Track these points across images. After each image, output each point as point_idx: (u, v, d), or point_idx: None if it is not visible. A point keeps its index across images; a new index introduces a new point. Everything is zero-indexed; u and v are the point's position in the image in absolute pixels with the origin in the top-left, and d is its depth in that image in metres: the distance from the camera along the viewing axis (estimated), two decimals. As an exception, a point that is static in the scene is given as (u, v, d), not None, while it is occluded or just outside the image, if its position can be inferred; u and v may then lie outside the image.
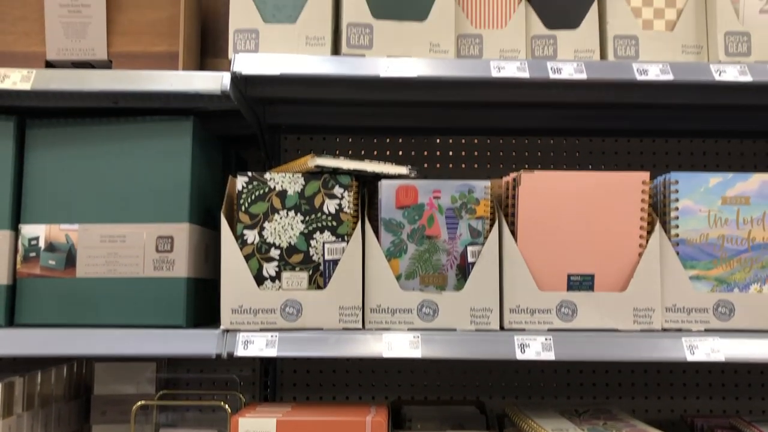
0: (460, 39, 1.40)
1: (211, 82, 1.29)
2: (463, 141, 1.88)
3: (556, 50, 1.40)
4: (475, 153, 1.88)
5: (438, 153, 1.88)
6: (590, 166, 1.85)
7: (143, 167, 1.33)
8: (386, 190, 1.30)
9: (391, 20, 1.35)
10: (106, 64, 1.40)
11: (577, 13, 1.41)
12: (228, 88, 1.28)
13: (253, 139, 1.69)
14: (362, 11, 1.35)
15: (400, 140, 1.87)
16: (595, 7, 1.41)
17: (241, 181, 1.29)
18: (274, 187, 1.29)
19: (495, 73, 1.30)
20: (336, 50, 1.39)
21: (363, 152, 1.86)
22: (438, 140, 1.88)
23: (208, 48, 1.58)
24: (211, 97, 1.31)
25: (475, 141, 1.88)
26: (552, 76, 1.30)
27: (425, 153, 1.87)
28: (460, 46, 1.40)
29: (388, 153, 1.87)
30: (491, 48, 1.40)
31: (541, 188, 1.31)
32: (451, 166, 1.87)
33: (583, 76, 1.30)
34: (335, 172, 1.29)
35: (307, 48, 1.36)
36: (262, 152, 1.72)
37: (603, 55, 1.42)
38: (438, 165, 1.87)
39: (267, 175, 1.29)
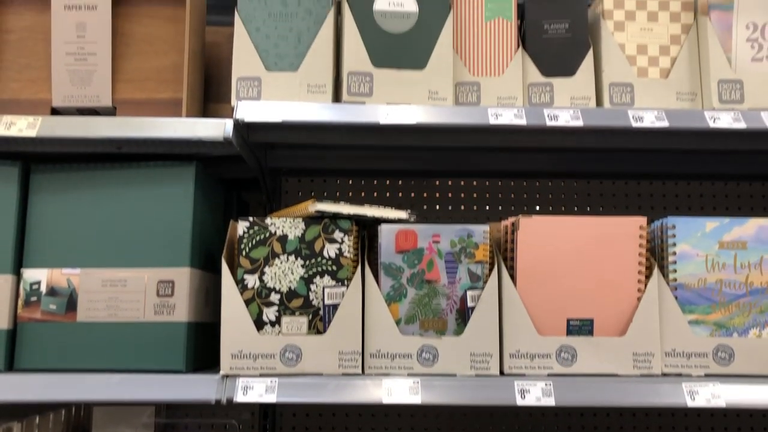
0: (458, 86, 1.43)
1: (214, 129, 1.31)
2: (462, 183, 1.90)
3: (553, 97, 1.43)
4: (475, 195, 1.89)
5: (437, 195, 1.89)
6: (588, 209, 1.87)
7: (146, 212, 1.34)
8: (386, 234, 1.32)
9: (390, 69, 1.38)
10: (111, 111, 1.42)
11: (573, 61, 1.45)
12: (230, 135, 1.30)
13: (255, 182, 1.71)
14: (362, 60, 1.38)
15: (400, 182, 1.89)
16: (590, 55, 1.44)
17: (242, 226, 1.30)
18: (275, 232, 1.30)
19: (492, 120, 1.32)
20: (337, 97, 1.41)
21: (363, 194, 1.88)
22: (437, 182, 1.90)
23: (212, 94, 1.61)
24: (214, 143, 1.33)
25: (474, 183, 1.90)
26: (549, 123, 1.32)
27: (425, 195, 1.89)
28: (459, 93, 1.43)
29: (387, 195, 1.89)
30: (489, 95, 1.42)
31: (539, 233, 1.32)
32: (450, 207, 1.89)
33: (579, 123, 1.33)
34: (335, 216, 1.31)
35: (308, 95, 1.38)
36: (263, 195, 1.73)
37: (599, 102, 1.44)
38: (437, 207, 1.89)
39: (268, 220, 1.30)
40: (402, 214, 1.34)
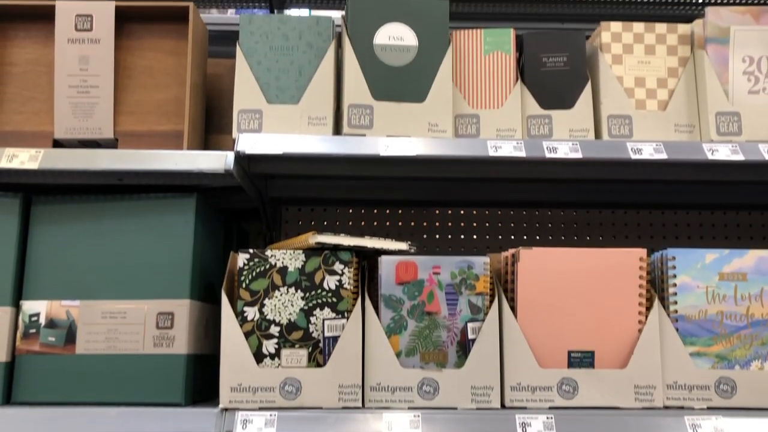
0: (457, 119, 1.44)
1: (215, 161, 1.32)
2: (462, 212, 1.90)
3: (552, 129, 1.44)
4: (475, 224, 1.90)
5: (437, 224, 1.90)
6: (588, 238, 1.87)
7: (146, 244, 1.34)
8: (386, 266, 1.32)
9: (390, 101, 1.40)
10: (112, 143, 1.43)
11: (572, 93, 1.46)
12: (231, 167, 1.31)
13: (255, 212, 1.71)
14: (363, 93, 1.39)
15: (400, 211, 1.90)
16: (588, 87, 1.46)
17: (242, 258, 1.30)
18: (275, 264, 1.30)
19: (492, 153, 1.33)
20: (337, 130, 1.42)
21: (363, 223, 1.88)
22: (437, 212, 1.90)
23: (213, 125, 1.62)
24: (215, 175, 1.33)
25: (474, 212, 1.90)
26: (548, 155, 1.33)
27: (425, 224, 1.90)
28: (458, 125, 1.44)
29: (388, 224, 1.89)
30: (488, 127, 1.43)
31: (539, 265, 1.32)
32: (450, 237, 1.89)
33: (578, 155, 1.33)
34: (336, 248, 1.31)
35: (309, 128, 1.39)
36: (263, 225, 1.74)
37: (597, 134, 1.45)
38: (438, 236, 1.89)
39: (268, 252, 1.30)
40: (402, 246, 1.34)
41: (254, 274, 1.30)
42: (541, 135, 1.44)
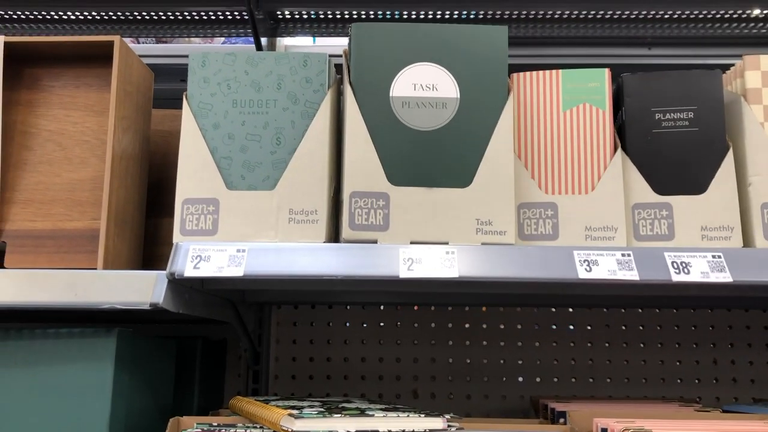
0: (522, 210, 0.93)
1: (137, 289, 0.83)
2: (519, 310, 1.39)
3: (673, 227, 0.91)
4: (536, 326, 1.38)
5: (485, 326, 1.39)
6: (713, 345, 1.33)
7: (45, 410, 0.87)
8: (410, 459, 0.81)
9: (416, 186, 0.89)
10: (-1, 249, 0.96)
11: (703, 169, 0.93)
12: (161, 300, 0.82)
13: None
14: (373, 174, 0.88)
15: (432, 308, 1.39)
16: (729, 159, 0.93)
17: (175, 452, 0.81)
18: (229, 462, 0.80)
19: (583, 274, 0.82)
20: (335, 231, 0.93)
21: (382, 324, 1.38)
22: (484, 309, 1.39)
23: (170, 205, 1.14)
24: (140, 310, 0.85)
25: (535, 310, 1.39)
26: (675, 278, 0.81)
27: (467, 326, 1.39)
28: (524, 221, 0.92)
29: (416, 325, 1.39)
30: (571, 224, 0.91)
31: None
32: (503, 344, 1.37)
33: (724, 277, 0.81)
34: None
35: (290, 227, 0.89)
36: (243, 339, 1.24)
37: (746, 235, 0.91)
38: (485, 342, 1.38)
39: (218, 442, 0.81)
40: (436, 424, 0.83)
41: (195, 476, 0.80)
42: (656, 235, 0.91)
